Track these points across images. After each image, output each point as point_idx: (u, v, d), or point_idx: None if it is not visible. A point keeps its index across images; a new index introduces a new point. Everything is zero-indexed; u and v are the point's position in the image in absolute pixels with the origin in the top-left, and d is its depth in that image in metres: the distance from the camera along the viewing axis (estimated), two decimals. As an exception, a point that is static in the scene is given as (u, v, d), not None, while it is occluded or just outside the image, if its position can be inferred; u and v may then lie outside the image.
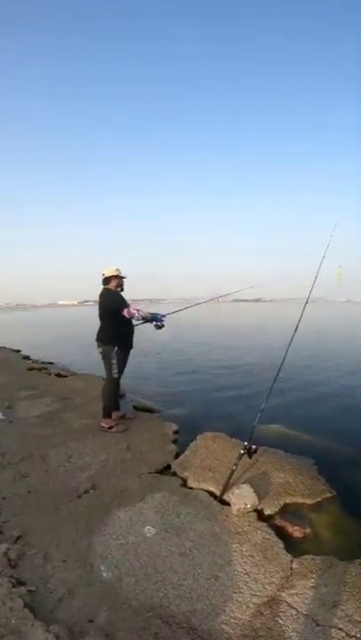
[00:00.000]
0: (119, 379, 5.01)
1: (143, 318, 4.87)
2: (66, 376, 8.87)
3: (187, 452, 4.35)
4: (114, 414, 5.09)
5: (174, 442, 4.73)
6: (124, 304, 4.79)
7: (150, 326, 5.07)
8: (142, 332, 5.31)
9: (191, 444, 4.55)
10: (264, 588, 2.35)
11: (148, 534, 2.87)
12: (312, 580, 2.36)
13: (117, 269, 5.00)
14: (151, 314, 4.94)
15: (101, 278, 5.03)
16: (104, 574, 2.46)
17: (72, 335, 21.26)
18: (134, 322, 5.02)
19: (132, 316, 4.77)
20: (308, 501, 3.39)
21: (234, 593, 2.32)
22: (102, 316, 4.93)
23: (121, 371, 5.00)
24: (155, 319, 4.97)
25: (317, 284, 4.60)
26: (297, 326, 4.31)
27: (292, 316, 4.54)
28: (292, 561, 2.58)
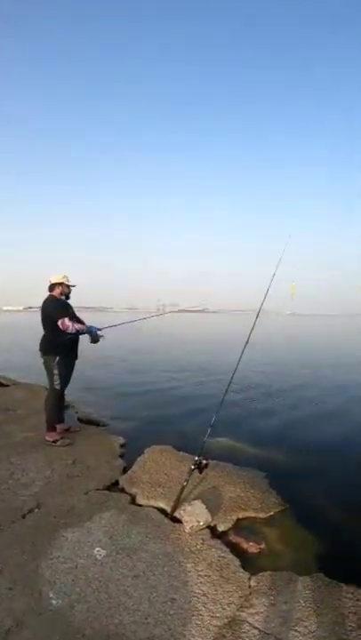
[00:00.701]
0: (62, 390, 4.78)
1: (78, 331, 4.65)
2: (7, 385, 8.37)
3: (135, 467, 4.20)
4: (58, 427, 4.84)
5: (121, 456, 4.56)
6: (61, 314, 4.54)
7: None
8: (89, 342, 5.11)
9: (139, 459, 4.41)
10: (223, 609, 2.25)
11: (98, 556, 2.68)
12: (272, 598, 2.30)
13: (65, 276, 4.79)
14: (87, 327, 4.75)
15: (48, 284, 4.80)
16: (54, 602, 2.25)
17: (16, 342, 20.28)
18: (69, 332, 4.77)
19: (65, 329, 4.51)
20: (261, 515, 3.36)
21: (193, 616, 2.20)
22: (44, 323, 4.68)
23: (64, 382, 4.76)
24: (90, 332, 4.78)
25: (268, 297, 4.68)
26: (248, 339, 4.32)
27: (244, 327, 4.55)
28: (250, 578, 2.51)
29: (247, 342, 4.29)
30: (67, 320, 4.50)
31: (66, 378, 4.79)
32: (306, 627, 2.07)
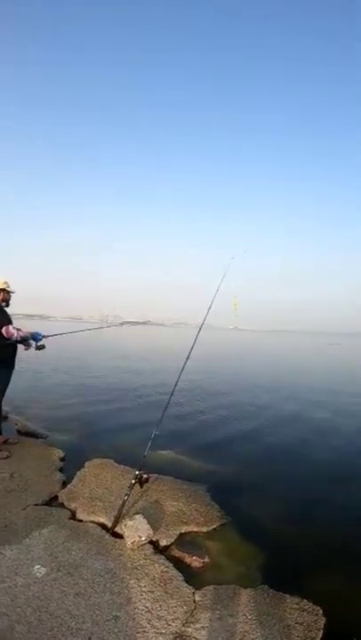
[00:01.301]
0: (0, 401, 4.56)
1: (23, 338, 4.49)
2: None
3: (75, 481, 4.08)
4: (-5, 439, 4.59)
5: (61, 470, 4.42)
6: (3, 322, 4.38)
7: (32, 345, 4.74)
8: (32, 352, 4.93)
9: (79, 473, 4.29)
10: (169, 625, 2.23)
11: (37, 574, 2.56)
12: (217, 612, 2.31)
13: (5, 282, 4.58)
14: (31, 333, 4.61)
15: None
16: (-8, 624, 2.12)
17: None
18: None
19: (10, 336, 4.33)
20: (204, 529, 3.37)
21: (137, 633, 2.15)
22: None
23: (1, 393, 4.55)
24: (35, 338, 4.65)
25: (211, 313, 4.79)
26: (189, 353, 4.37)
27: (186, 338, 4.63)
28: (194, 593, 2.50)
29: (188, 357, 4.33)
30: (11, 327, 4.32)
31: (3, 388, 4.58)
32: (253, 639, 2.09)
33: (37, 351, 4.77)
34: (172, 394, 4.07)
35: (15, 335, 4.35)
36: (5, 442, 4.83)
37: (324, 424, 7.77)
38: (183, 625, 2.23)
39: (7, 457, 4.48)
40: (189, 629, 2.20)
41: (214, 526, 3.42)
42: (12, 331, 4.32)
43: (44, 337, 4.73)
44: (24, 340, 4.56)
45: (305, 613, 2.30)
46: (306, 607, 2.35)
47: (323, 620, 2.25)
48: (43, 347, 4.76)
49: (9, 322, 4.40)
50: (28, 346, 4.73)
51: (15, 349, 4.66)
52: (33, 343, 4.70)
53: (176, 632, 2.18)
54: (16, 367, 4.73)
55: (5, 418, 5.21)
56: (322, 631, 2.17)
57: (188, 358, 4.37)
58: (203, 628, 2.20)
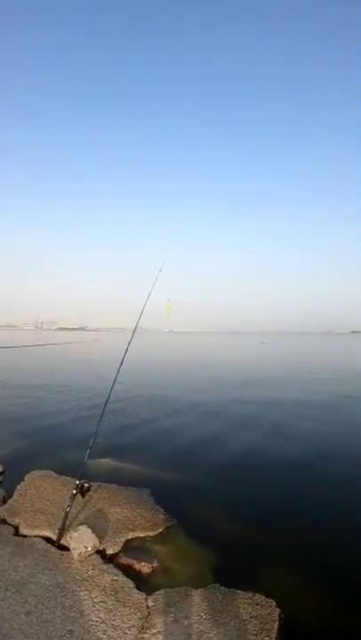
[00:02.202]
0: None
1: None
2: None
3: (15, 496, 3.96)
4: None
5: (0, 484, 4.24)
6: None
7: None
8: None
9: (19, 486, 4.17)
10: (125, 634, 2.24)
11: (-16, 597, 2.47)
12: (172, 615, 2.36)
13: None
14: None
15: None
16: None
17: None
18: None
19: None
20: (151, 534, 3.42)
21: (94, 646, 2.16)
22: None
23: None
24: None
25: (147, 315, 4.83)
26: (122, 359, 4.37)
27: (120, 344, 4.59)
28: (146, 599, 2.54)
29: (121, 363, 4.33)
30: None
31: None
32: (211, 638, 2.17)
33: None
34: (106, 403, 4.06)
35: None
36: None
37: (251, 419, 8.14)
38: (139, 632, 2.26)
39: None
40: (146, 635, 2.23)
41: (160, 530, 3.47)
42: None
43: None
44: None
45: (259, 607, 2.41)
46: (259, 601, 2.47)
47: (277, 612, 2.37)
48: None
49: None
50: None
51: None
52: None
53: (133, 640, 2.21)
54: None
55: None
56: (277, 622, 2.28)
57: (121, 365, 4.32)
58: (159, 632, 2.24)
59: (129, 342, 4.56)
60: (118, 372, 4.27)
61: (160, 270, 5.01)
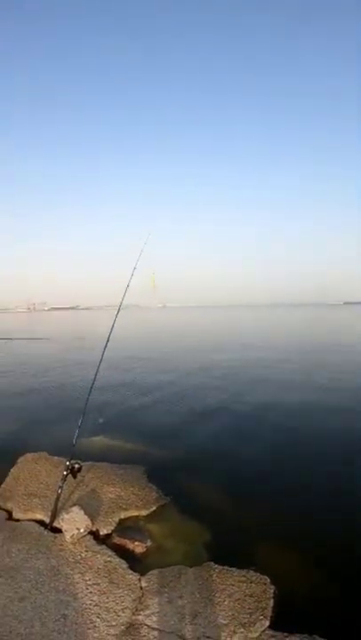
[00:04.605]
0: None
1: None
2: None
3: (8, 480, 3.92)
4: None
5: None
6: None
7: None
8: None
9: (12, 470, 4.14)
10: (118, 616, 2.22)
11: (-23, 583, 2.43)
12: (166, 595, 2.34)
13: None
14: None
15: None
16: None
17: None
18: None
19: None
20: (144, 513, 3.40)
21: (88, 629, 2.12)
22: None
23: None
24: None
25: (134, 292, 4.68)
26: (108, 338, 4.24)
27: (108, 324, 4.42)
28: (140, 579, 2.51)
29: (108, 340, 4.20)
30: None
31: None
32: (205, 617, 2.15)
33: None
34: (94, 380, 3.95)
35: None
36: None
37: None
38: (133, 613, 2.24)
39: None
40: (140, 617, 2.21)
41: (154, 508, 3.46)
42: None
43: None
44: None
45: (253, 584, 2.39)
46: (253, 578, 2.46)
47: (272, 589, 2.36)
48: None
49: None
50: None
51: None
52: None
53: (127, 622, 2.18)
54: None
55: None
56: (272, 600, 2.27)
57: (107, 342, 4.20)
58: (153, 613, 2.22)
59: (114, 321, 4.39)
60: (104, 351, 4.13)
61: (145, 243, 4.84)
